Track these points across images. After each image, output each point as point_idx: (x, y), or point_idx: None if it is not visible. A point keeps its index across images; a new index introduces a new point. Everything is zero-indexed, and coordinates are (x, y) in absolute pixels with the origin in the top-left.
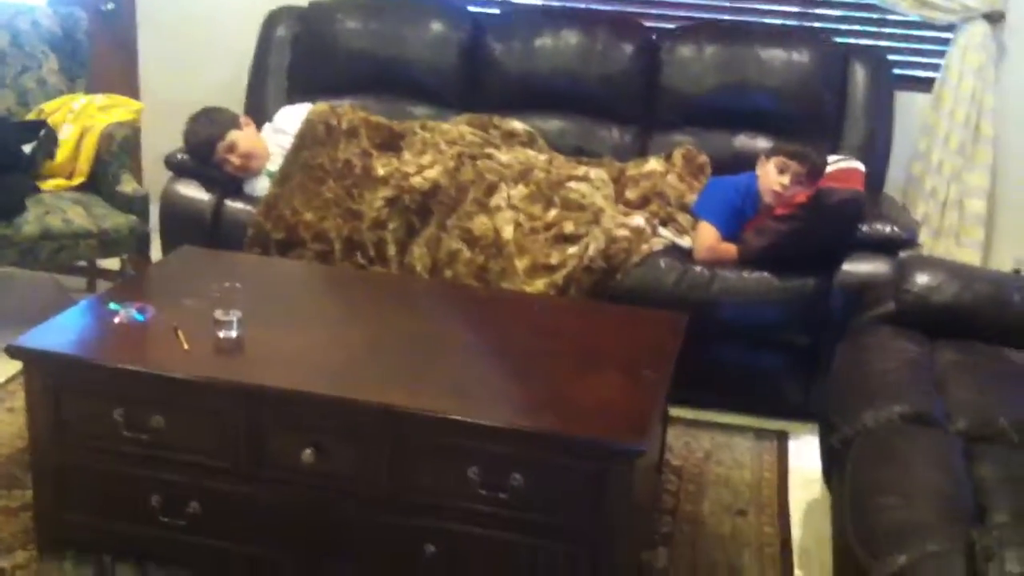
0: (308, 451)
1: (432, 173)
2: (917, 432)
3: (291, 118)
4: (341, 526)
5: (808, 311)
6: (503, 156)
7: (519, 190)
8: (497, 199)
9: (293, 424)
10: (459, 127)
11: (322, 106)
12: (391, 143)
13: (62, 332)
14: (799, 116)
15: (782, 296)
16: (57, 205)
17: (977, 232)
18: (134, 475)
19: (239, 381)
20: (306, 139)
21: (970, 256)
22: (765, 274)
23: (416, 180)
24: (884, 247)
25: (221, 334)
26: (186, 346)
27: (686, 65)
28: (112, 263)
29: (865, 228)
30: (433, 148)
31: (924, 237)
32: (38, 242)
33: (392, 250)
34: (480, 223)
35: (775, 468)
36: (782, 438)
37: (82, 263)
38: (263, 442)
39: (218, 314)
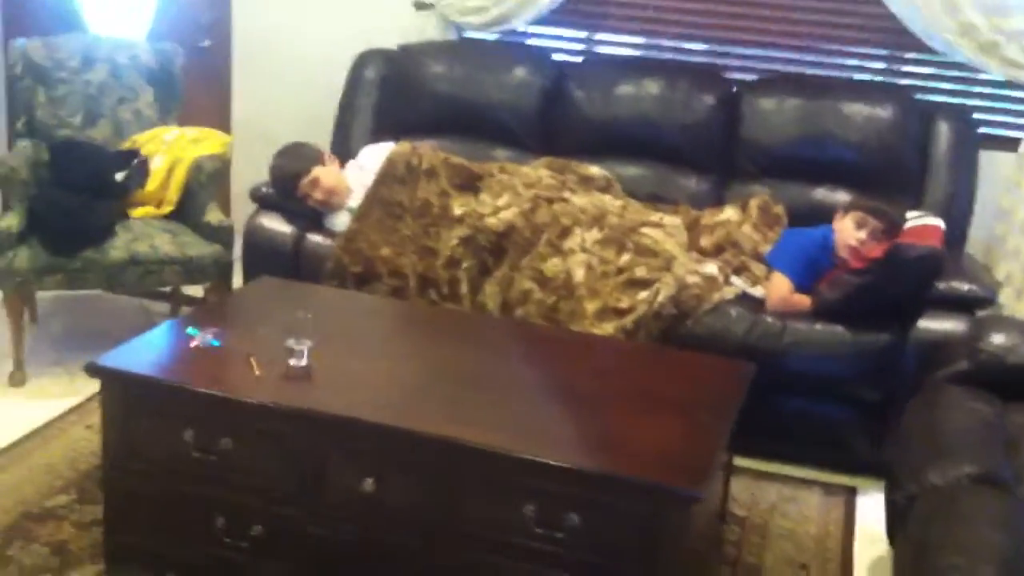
0: (368, 480)
1: (507, 215)
2: (984, 493)
3: (374, 156)
4: (398, 556)
5: (880, 366)
6: (579, 200)
7: (593, 234)
8: (571, 242)
9: (354, 453)
10: (537, 170)
11: (404, 146)
12: (469, 184)
13: (139, 353)
14: (880, 171)
15: (854, 350)
16: (145, 232)
17: None
18: (201, 496)
19: (304, 407)
20: (387, 177)
21: None
22: (838, 328)
23: (491, 221)
24: (961, 305)
25: (292, 362)
26: (257, 372)
27: (766, 117)
28: (197, 291)
29: (942, 286)
30: (510, 190)
31: (1006, 298)
32: (125, 267)
33: (465, 288)
34: (552, 265)
35: (841, 523)
36: (850, 494)
37: (167, 289)
38: (325, 469)
39: (289, 343)
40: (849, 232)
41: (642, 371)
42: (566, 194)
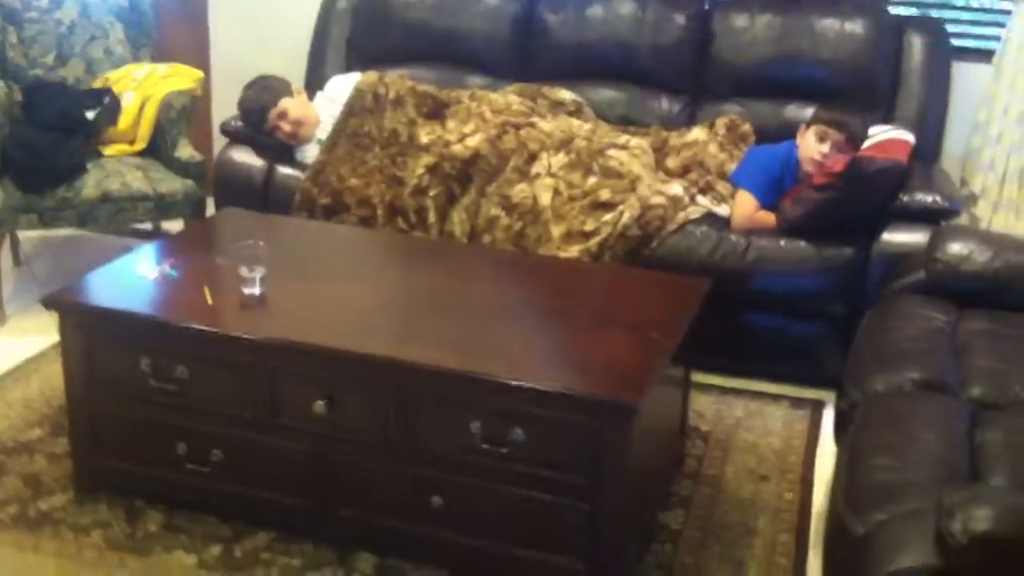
0: (320, 402)
1: (473, 141)
2: (926, 398)
3: (341, 87)
4: (352, 475)
5: (845, 280)
6: (546, 125)
7: (559, 158)
8: (537, 167)
9: (305, 376)
10: (506, 96)
11: (371, 75)
12: (437, 112)
13: (97, 285)
14: (851, 87)
15: (819, 265)
16: (117, 169)
17: None
18: (161, 423)
19: (252, 334)
20: (354, 108)
21: None
22: (802, 243)
23: (457, 148)
24: (926, 217)
25: (245, 290)
26: (210, 300)
27: (738, 35)
28: (177, 226)
29: (907, 198)
30: (477, 117)
31: (982, 210)
32: (97, 204)
33: (432, 216)
34: (519, 190)
35: (805, 436)
36: (816, 407)
37: (147, 227)
38: (277, 393)
39: (243, 271)
40: (811, 146)
41: (599, 291)
42: (534, 119)
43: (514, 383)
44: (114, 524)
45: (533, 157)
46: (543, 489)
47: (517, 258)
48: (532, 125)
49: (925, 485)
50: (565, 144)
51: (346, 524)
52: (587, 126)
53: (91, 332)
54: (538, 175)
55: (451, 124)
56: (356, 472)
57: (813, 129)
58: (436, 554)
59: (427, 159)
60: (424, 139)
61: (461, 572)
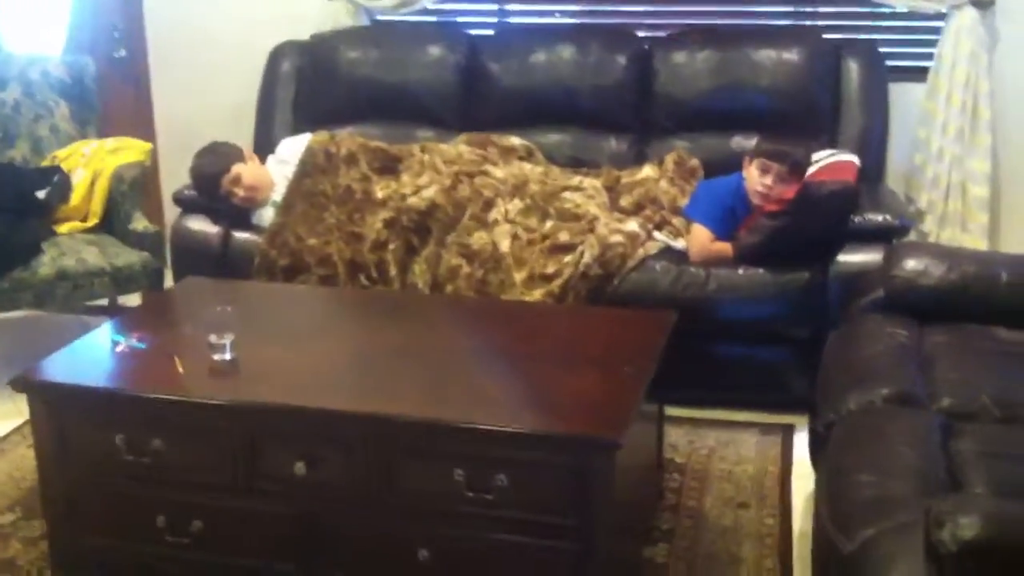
0: (299, 464)
1: (429, 193)
2: (898, 413)
3: (293, 148)
4: (336, 535)
5: (805, 304)
6: (499, 172)
7: (515, 204)
8: (494, 214)
9: (283, 438)
10: (457, 147)
11: (322, 135)
12: (390, 166)
13: (65, 363)
14: (793, 114)
15: (778, 291)
16: (72, 246)
17: (982, 217)
18: (138, 497)
19: (226, 400)
20: (307, 167)
21: (976, 241)
22: (760, 270)
23: (413, 200)
24: (878, 236)
25: (216, 357)
26: (181, 369)
27: (679, 71)
28: (135, 300)
29: (858, 219)
30: (431, 169)
31: (929, 226)
32: (54, 282)
33: (393, 270)
34: (478, 238)
35: (779, 461)
36: (787, 431)
37: (103, 303)
38: (256, 457)
39: (212, 338)
40: (754, 179)
41: (566, 331)
42: (487, 167)
43: (494, 428)
44: None
45: (489, 204)
46: (531, 532)
47: (482, 305)
48: (485, 173)
49: (909, 498)
50: (519, 189)
51: None
52: (539, 170)
53: (61, 411)
54: (496, 222)
55: (405, 178)
56: (341, 532)
57: (756, 162)
58: None
59: (384, 214)
60: (380, 194)
61: None
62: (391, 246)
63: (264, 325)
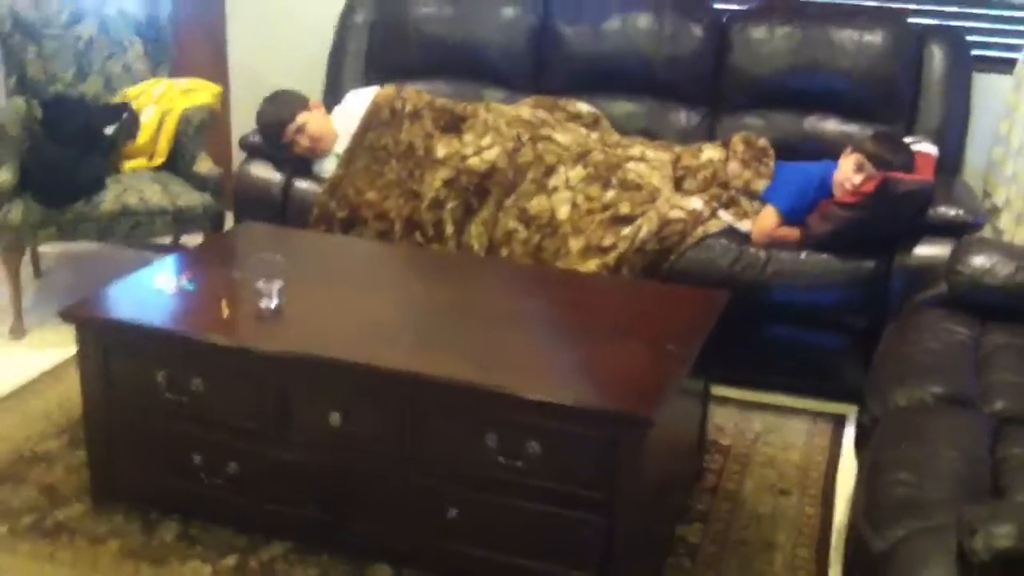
0: (335, 415)
1: (491, 155)
2: (946, 412)
3: (358, 101)
4: (367, 487)
5: (866, 293)
6: (562, 137)
7: (577, 171)
8: (555, 180)
9: (320, 388)
10: (520, 108)
11: (388, 89)
12: (454, 125)
13: (115, 298)
14: (871, 98)
15: (840, 278)
16: (135, 184)
17: None
18: (177, 435)
19: (267, 347)
20: (372, 121)
21: None
22: (823, 256)
23: (474, 161)
24: (949, 231)
25: (261, 304)
26: (225, 313)
27: (756, 46)
28: (197, 241)
29: (929, 212)
30: (494, 131)
31: (1005, 223)
32: (116, 218)
33: (450, 229)
34: (537, 203)
35: (826, 450)
36: (839, 422)
37: (167, 241)
38: (292, 405)
39: (259, 284)
40: (847, 173)
41: (616, 304)
42: (549, 131)
43: (528, 396)
44: (130, 534)
45: (551, 170)
46: (559, 502)
47: (534, 271)
48: (548, 138)
49: (946, 501)
50: (582, 157)
51: (361, 536)
52: (605, 138)
53: (107, 344)
54: (556, 188)
55: (468, 137)
56: (371, 484)
57: (854, 157)
58: (451, 567)
59: (444, 173)
60: (441, 152)
61: None
62: (449, 205)
63: (314, 275)
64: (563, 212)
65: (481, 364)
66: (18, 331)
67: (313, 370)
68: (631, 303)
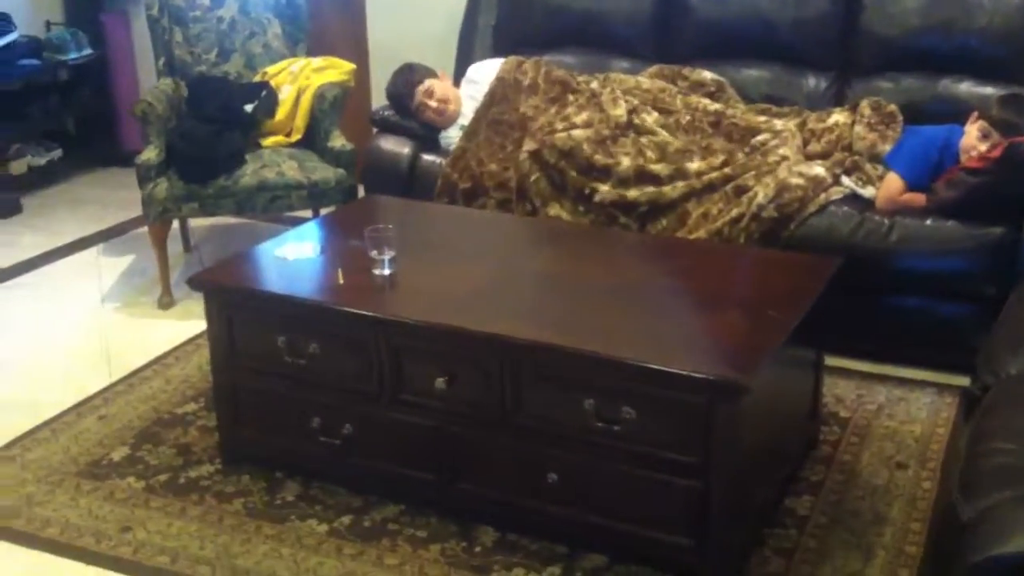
0: (440, 380)
1: (579, 134)
2: None
3: (482, 70)
4: (471, 450)
5: (995, 260)
6: (680, 106)
7: (683, 142)
8: (660, 168)
9: (426, 354)
10: (641, 79)
11: (511, 61)
12: (561, 97)
13: (240, 267)
14: (1008, 59)
15: (967, 245)
16: (273, 159)
17: None
18: (296, 398)
19: (377, 312)
20: (495, 95)
21: None
22: (949, 222)
23: (560, 137)
24: None
25: (375, 272)
26: (341, 280)
27: (887, 6)
28: None
29: None
30: (593, 108)
31: None
32: (254, 192)
33: (537, 202)
34: (637, 192)
35: (950, 424)
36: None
37: (306, 214)
38: (401, 370)
39: (372, 253)
40: (973, 140)
41: (721, 271)
42: (668, 100)
43: (622, 360)
44: (254, 493)
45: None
46: (655, 467)
47: (642, 240)
48: (667, 110)
49: None
50: (700, 127)
51: (467, 498)
52: (731, 106)
53: (232, 310)
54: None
55: (569, 111)
56: (475, 448)
57: (979, 124)
58: (552, 529)
59: (531, 144)
60: (536, 124)
61: (578, 548)
62: (532, 178)
63: (429, 245)
64: (675, 192)
65: (579, 330)
66: (166, 302)
67: (419, 335)
68: (737, 270)
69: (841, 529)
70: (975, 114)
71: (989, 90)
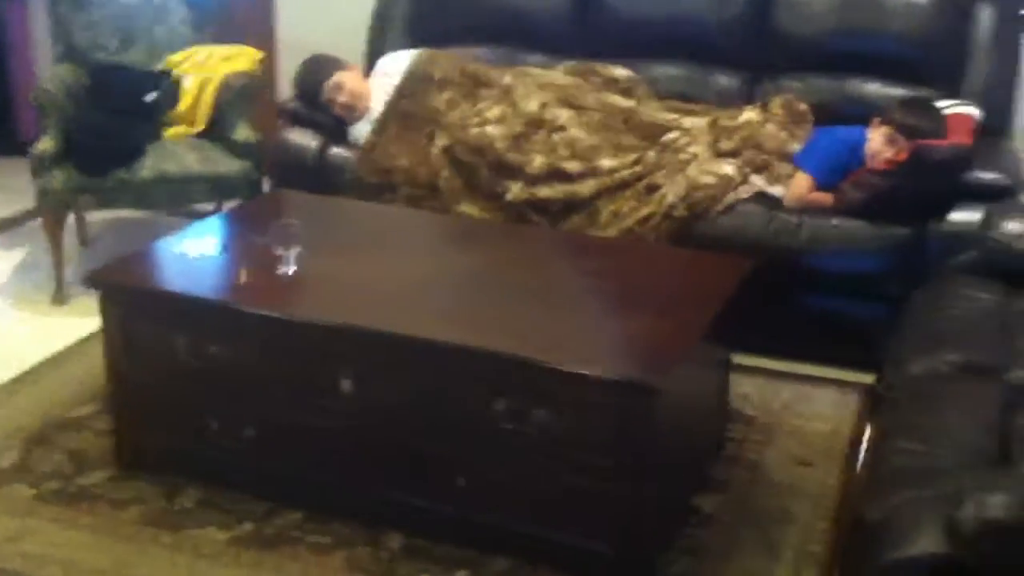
0: (346, 381)
1: (492, 130)
2: (964, 381)
3: (393, 66)
4: (379, 453)
5: (901, 260)
6: (592, 102)
7: (595, 139)
8: (574, 165)
9: (331, 354)
10: (554, 74)
11: (423, 54)
12: (474, 91)
13: (138, 264)
14: (916, 60)
15: (874, 245)
16: (175, 151)
17: None
18: (195, 400)
19: (280, 312)
20: (406, 88)
21: None
22: (857, 222)
23: (473, 132)
24: (987, 195)
25: (278, 270)
26: (243, 279)
27: (800, 8)
28: None
29: (966, 176)
30: (506, 103)
31: None
32: (154, 185)
33: (447, 198)
34: (550, 190)
35: (854, 422)
36: (868, 392)
37: (208, 207)
38: (306, 371)
39: (276, 251)
40: (878, 146)
41: (636, 271)
42: (581, 98)
43: (534, 361)
44: (151, 500)
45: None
46: (567, 470)
47: (555, 237)
48: (580, 107)
49: (948, 471)
50: (609, 125)
51: (375, 503)
52: (644, 103)
53: (129, 309)
54: (581, 175)
55: (481, 105)
56: (382, 451)
57: (884, 129)
58: (462, 534)
59: (444, 139)
60: (448, 119)
61: (487, 552)
62: (443, 174)
63: (336, 241)
64: (585, 191)
65: (492, 330)
66: (60, 298)
67: (324, 335)
68: (651, 270)
69: (748, 528)
70: (878, 119)
71: (896, 91)
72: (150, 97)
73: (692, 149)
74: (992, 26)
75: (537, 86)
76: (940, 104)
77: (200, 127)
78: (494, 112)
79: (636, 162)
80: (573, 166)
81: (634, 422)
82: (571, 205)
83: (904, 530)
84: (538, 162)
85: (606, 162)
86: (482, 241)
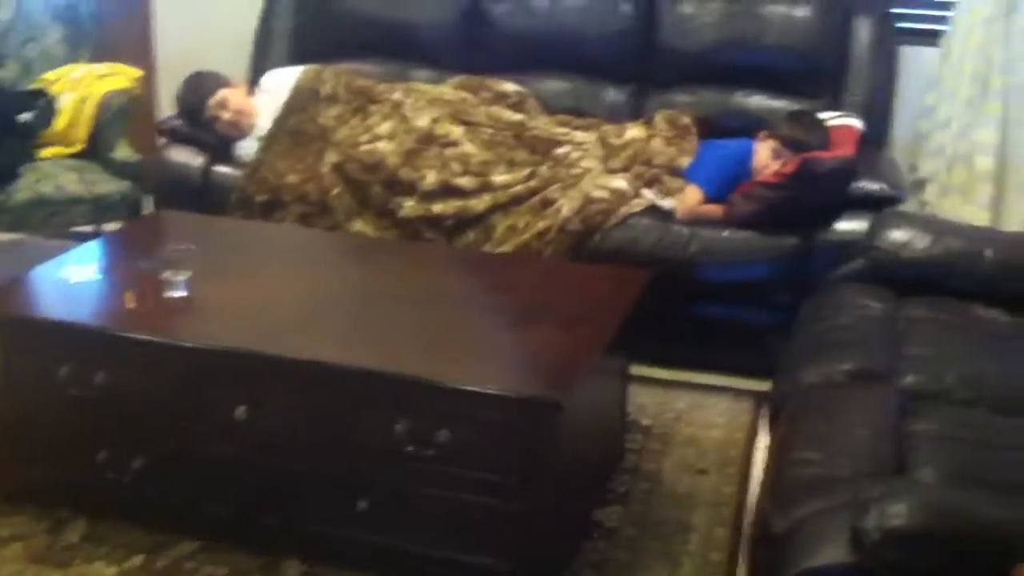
0: (241, 407)
1: (383, 147)
2: (858, 388)
3: (277, 80)
4: (276, 480)
5: (790, 269)
6: (483, 117)
7: (488, 155)
8: (465, 181)
9: (226, 380)
10: (443, 89)
11: (310, 70)
12: (364, 107)
13: (15, 290)
14: (798, 72)
15: (763, 255)
16: (52, 172)
17: (986, 189)
18: (81, 431)
19: (172, 338)
20: (294, 105)
21: (979, 214)
22: (746, 233)
23: (364, 149)
24: (872, 205)
25: (168, 293)
26: (131, 304)
27: (685, 22)
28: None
29: (852, 187)
30: (397, 119)
31: (931, 195)
32: (31, 207)
33: (339, 216)
34: (443, 206)
35: (747, 428)
36: (760, 398)
37: (89, 229)
38: (198, 398)
39: (166, 275)
40: (765, 159)
41: (534, 286)
42: (471, 112)
43: (436, 383)
44: (34, 535)
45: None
46: (471, 490)
47: (451, 254)
48: (467, 120)
49: (849, 480)
50: (502, 141)
51: (272, 531)
52: (533, 118)
53: (8, 339)
54: (473, 191)
55: (372, 121)
56: (279, 478)
57: (770, 144)
58: (363, 559)
59: (334, 156)
60: (338, 135)
61: None
62: (334, 191)
63: (226, 263)
64: (482, 204)
65: (391, 351)
66: None
67: (216, 362)
68: (549, 284)
69: (649, 539)
70: (764, 132)
71: (780, 103)
72: (25, 117)
73: (584, 163)
74: (870, 39)
75: (427, 101)
76: (824, 116)
77: (78, 147)
78: (384, 128)
79: (530, 177)
80: (466, 182)
81: (537, 438)
82: (465, 221)
83: (811, 541)
84: (431, 178)
85: (499, 177)
86: (377, 259)
